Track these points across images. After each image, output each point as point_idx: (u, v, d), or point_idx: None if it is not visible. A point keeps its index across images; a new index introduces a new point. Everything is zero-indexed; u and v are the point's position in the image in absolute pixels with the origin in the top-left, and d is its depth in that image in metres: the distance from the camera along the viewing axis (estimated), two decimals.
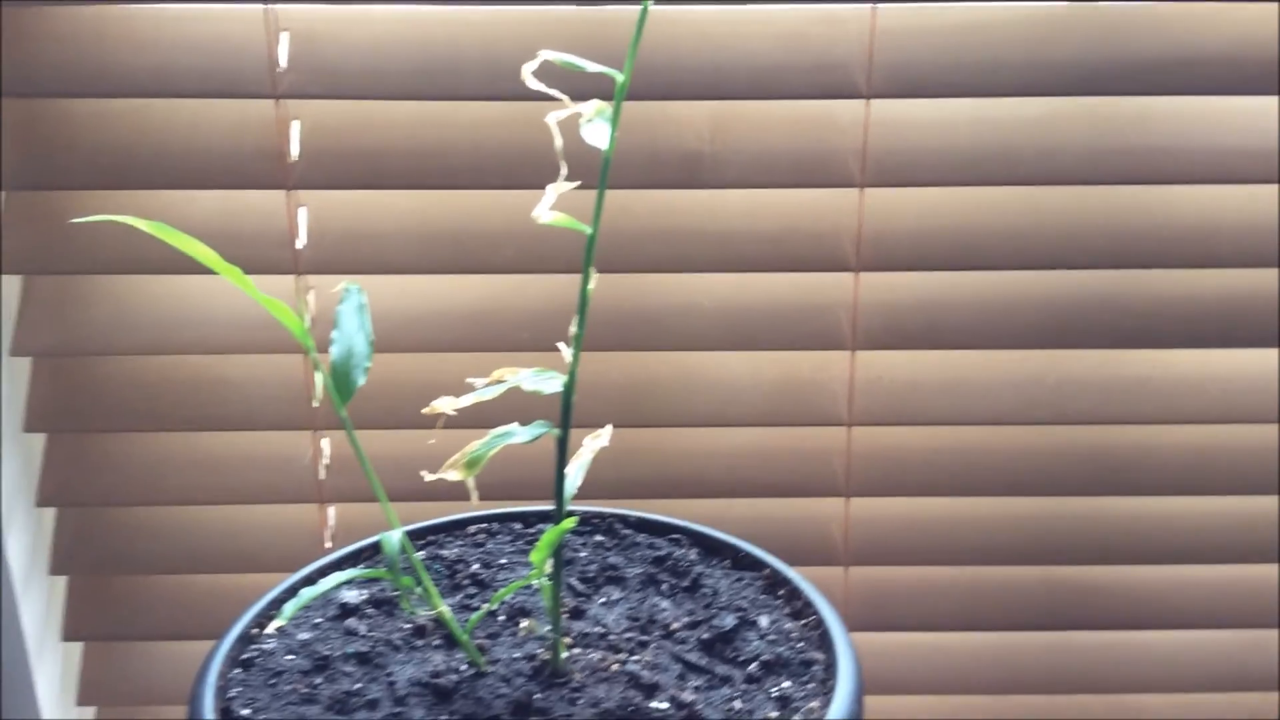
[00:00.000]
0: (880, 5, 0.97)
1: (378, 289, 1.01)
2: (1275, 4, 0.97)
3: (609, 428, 0.69)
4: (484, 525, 0.83)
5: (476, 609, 0.72)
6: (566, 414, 0.64)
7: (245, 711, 0.64)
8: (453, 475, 0.63)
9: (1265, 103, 1.01)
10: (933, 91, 0.99)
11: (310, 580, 0.74)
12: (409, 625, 0.71)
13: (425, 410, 0.63)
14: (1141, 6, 0.98)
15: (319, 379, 0.63)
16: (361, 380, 0.64)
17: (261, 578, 1.06)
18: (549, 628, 0.67)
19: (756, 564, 0.78)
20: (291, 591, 0.74)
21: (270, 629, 0.69)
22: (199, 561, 1.10)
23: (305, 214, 1.02)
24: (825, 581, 0.76)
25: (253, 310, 1.02)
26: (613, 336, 1.04)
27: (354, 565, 0.78)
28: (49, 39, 0.96)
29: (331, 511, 1.10)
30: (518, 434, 0.63)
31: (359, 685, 0.66)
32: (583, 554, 0.79)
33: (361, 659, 0.68)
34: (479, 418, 0.68)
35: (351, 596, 0.74)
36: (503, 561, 0.79)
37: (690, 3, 0.96)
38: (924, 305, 1.05)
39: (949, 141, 1.01)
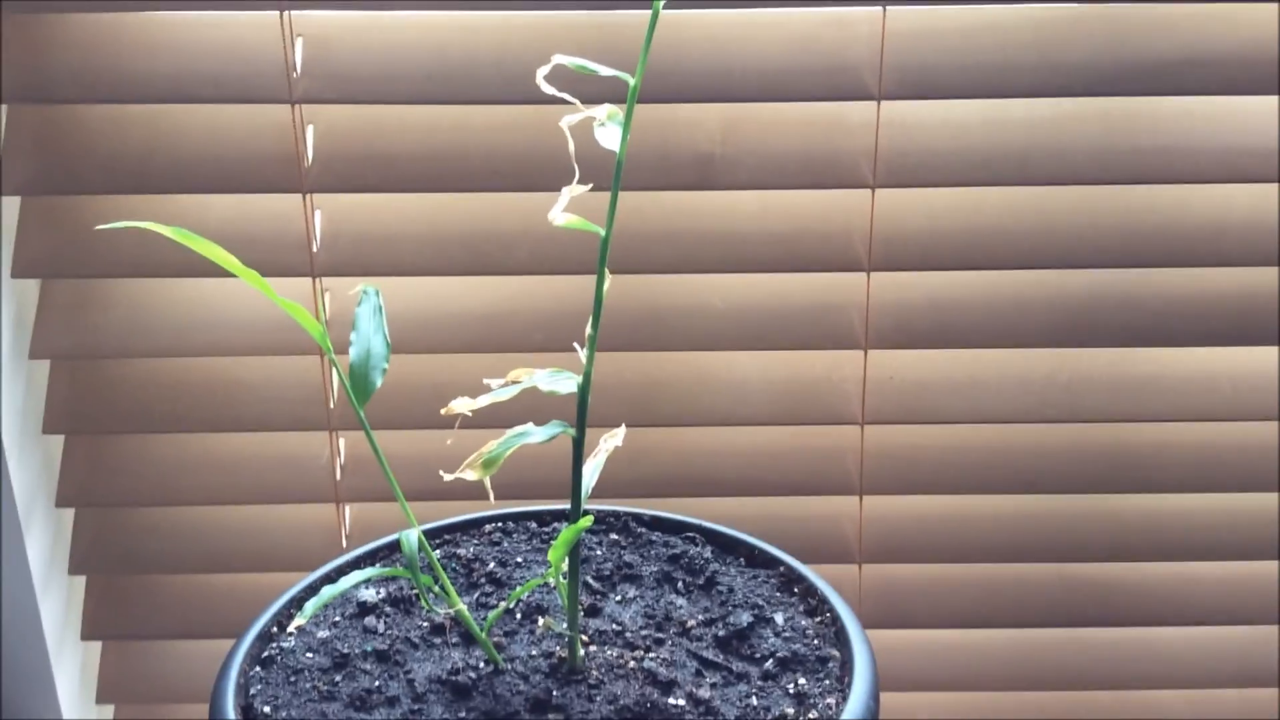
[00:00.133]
0: (890, 7, 0.97)
1: (393, 291, 1.01)
2: (1267, 2, 0.98)
3: (623, 427, 0.69)
4: (500, 524, 0.84)
5: (493, 607, 0.73)
6: (582, 414, 0.64)
7: (266, 709, 0.64)
8: (470, 475, 0.63)
9: (1273, 102, 1.01)
10: (943, 93, 0.99)
11: (329, 579, 0.75)
12: (427, 623, 0.72)
13: (443, 411, 0.63)
14: (1150, 8, 0.98)
15: (337, 379, 0.64)
16: (379, 381, 0.64)
17: (278, 577, 1.07)
18: (566, 625, 0.67)
19: (771, 561, 0.78)
20: (310, 590, 0.74)
21: (291, 627, 0.69)
22: (216, 561, 1.11)
23: (320, 217, 1.03)
24: (840, 579, 0.76)
25: (268, 312, 1.03)
26: (626, 337, 1.05)
27: (371, 564, 0.78)
28: (69, 46, 0.97)
29: (347, 511, 1.11)
30: (534, 434, 0.63)
31: (378, 683, 0.66)
32: (598, 552, 0.80)
33: (380, 657, 0.68)
34: (494, 418, 0.68)
35: (369, 595, 0.74)
36: (519, 560, 0.79)
37: (701, 6, 0.97)
38: (935, 305, 1.05)
39: (959, 142, 1.01)
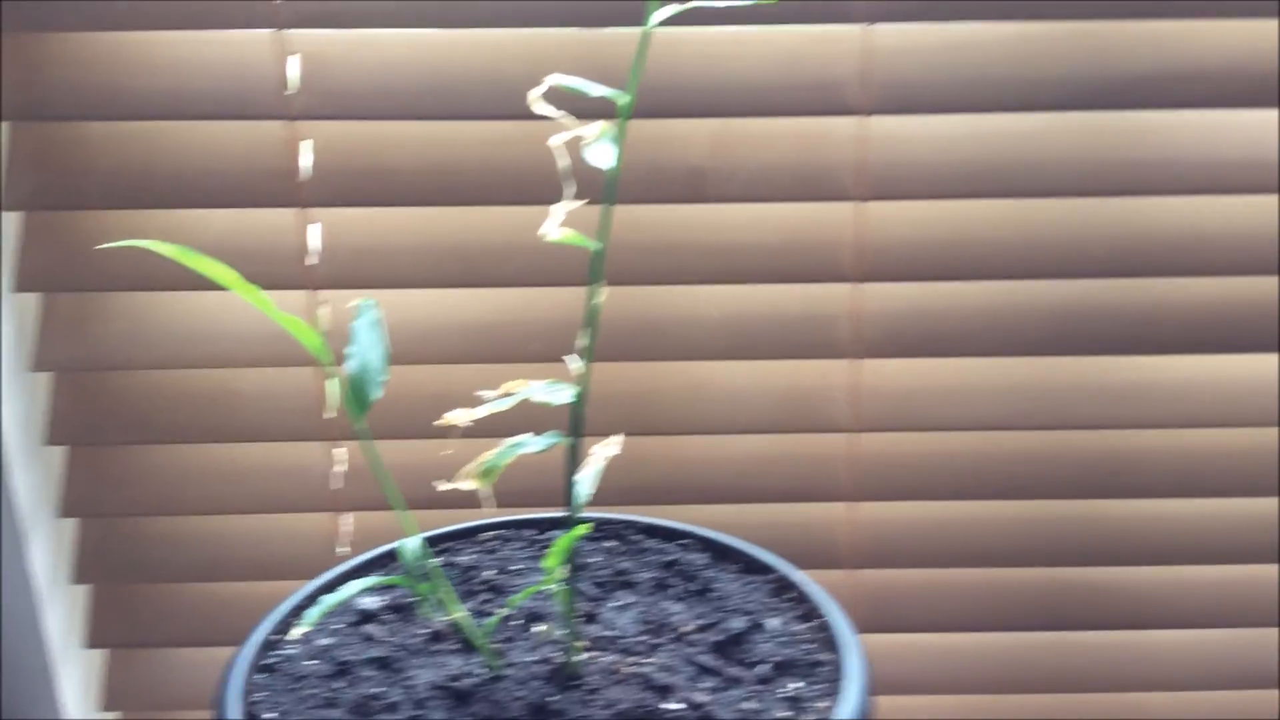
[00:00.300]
0: (875, 25, 0.98)
1: (389, 303, 1.01)
2: (1258, 20, 0.99)
3: (619, 436, 0.69)
4: (497, 532, 0.84)
5: (492, 614, 0.73)
6: (577, 423, 0.65)
7: (269, 715, 0.65)
8: (468, 485, 0.64)
9: (1252, 116, 1.02)
10: (927, 108, 1.00)
11: (329, 587, 0.76)
12: (426, 630, 0.72)
13: (439, 422, 0.64)
14: (1130, 25, 0.99)
15: (334, 391, 0.64)
16: (378, 394, 0.65)
17: (278, 585, 1.06)
18: (563, 632, 0.68)
19: (765, 568, 0.79)
20: (311, 598, 0.75)
21: (294, 634, 0.70)
22: (217, 570, 1.12)
23: (317, 231, 1.03)
24: (832, 584, 0.76)
25: (267, 324, 1.03)
26: (620, 347, 1.06)
27: (371, 573, 0.78)
28: (68, 64, 0.98)
29: (346, 520, 1.12)
30: (531, 444, 0.64)
31: (379, 689, 0.66)
32: (595, 559, 0.80)
33: (381, 663, 0.69)
34: (491, 427, 0.68)
35: (370, 603, 0.75)
36: (517, 567, 0.80)
37: (690, 24, 0.97)
38: (922, 314, 1.06)
39: (944, 156, 1.02)
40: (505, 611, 0.69)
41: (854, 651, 0.69)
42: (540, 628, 0.72)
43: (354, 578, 0.76)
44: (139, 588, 1.13)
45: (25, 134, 1.00)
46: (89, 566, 1.11)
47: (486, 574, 0.79)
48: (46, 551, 1.07)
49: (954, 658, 1.18)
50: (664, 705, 0.64)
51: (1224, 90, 1.00)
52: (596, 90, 0.63)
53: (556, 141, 0.61)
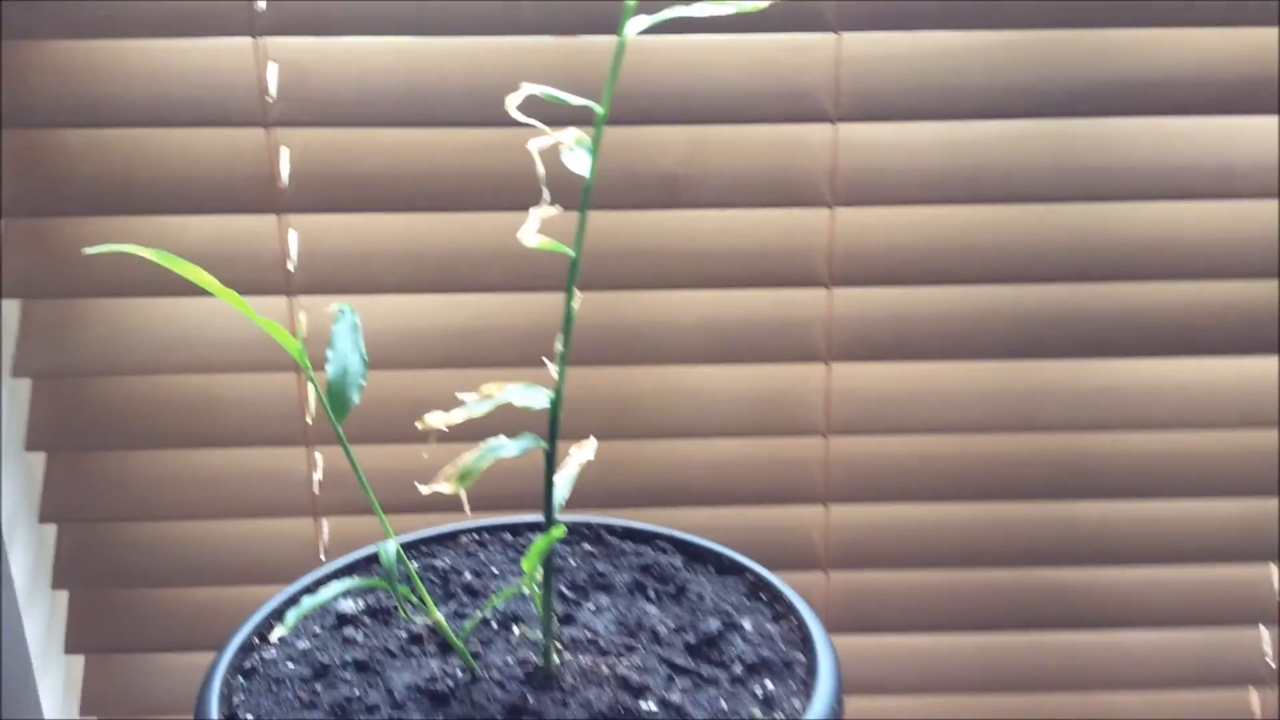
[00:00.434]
0: (845, 34, 0.99)
1: (367, 309, 1.03)
2: (1222, 29, 1.00)
3: (593, 440, 0.70)
4: (475, 536, 0.84)
5: (470, 617, 0.73)
6: (554, 427, 0.65)
7: (249, 717, 0.65)
8: (446, 488, 0.64)
9: (1213, 122, 1.03)
10: (897, 115, 1.01)
11: (308, 591, 0.76)
12: (405, 633, 0.72)
13: (418, 425, 0.64)
14: (1095, 34, 1.01)
15: (313, 395, 0.64)
16: (356, 398, 0.65)
17: (258, 590, 1.08)
18: (541, 633, 0.68)
19: (739, 569, 0.79)
20: (290, 602, 0.75)
21: (274, 636, 0.70)
22: (197, 575, 1.12)
23: (296, 237, 1.04)
24: (807, 586, 0.76)
25: (245, 330, 1.04)
26: (596, 352, 1.06)
27: (350, 576, 0.77)
28: (47, 72, 0.98)
29: (325, 525, 1.12)
30: (507, 447, 0.64)
31: (358, 691, 0.67)
32: (572, 562, 0.80)
33: (360, 666, 0.69)
34: (470, 432, 0.69)
35: (348, 606, 0.75)
36: (494, 571, 0.80)
37: (667, 33, 0.98)
38: (895, 319, 1.07)
39: (917, 162, 1.03)
40: (483, 614, 0.69)
41: (826, 651, 0.69)
42: (518, 630, 0.72)
43: (333, 581, 0.77)
44: (119, 593, 1.13)
45: (4, 141, 1.00)
46: (69, 572, 1.11)
47: (464, 577, 0.79)
48: (27, 557, 1.07)
49: (927, 658, 1.19)
50: (639, 705, 0.65)
51: (1187, 97, 1.01)
52: (573, 99, 0.63)
53: (535, 147, 0.62)
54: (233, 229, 1.03)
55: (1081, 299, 1.07)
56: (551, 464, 0.66)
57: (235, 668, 0.70)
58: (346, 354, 0.66)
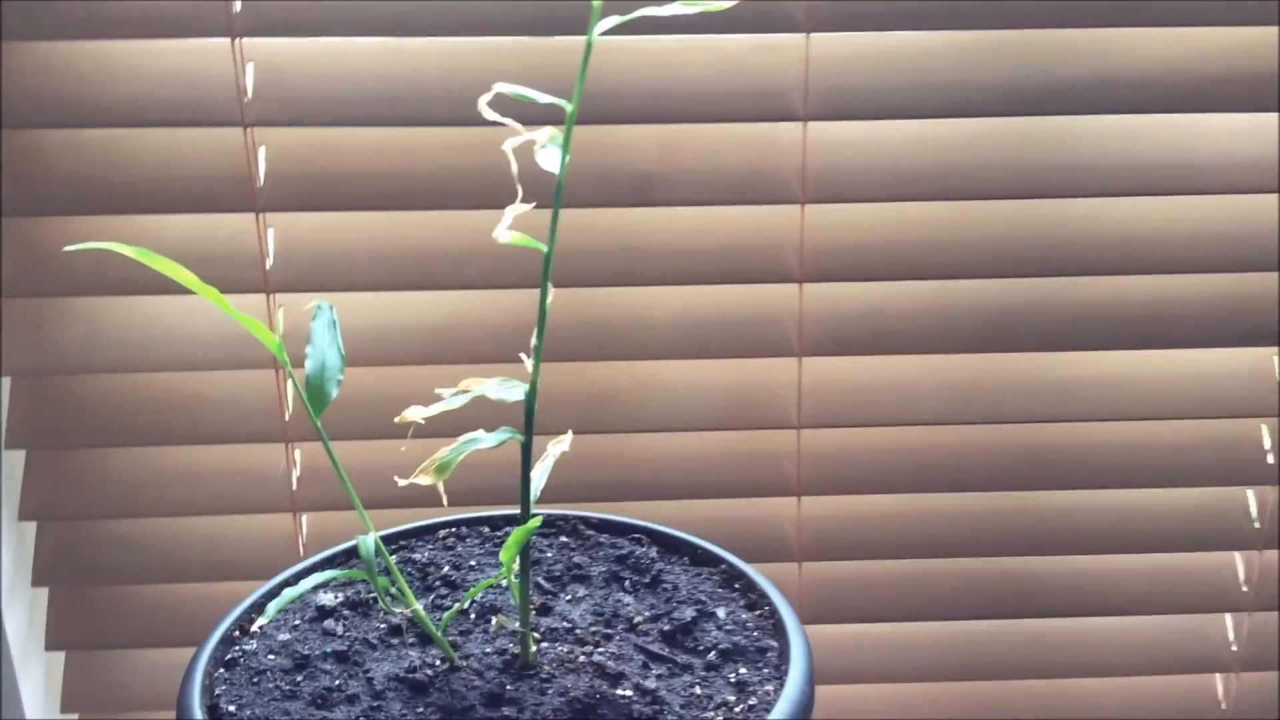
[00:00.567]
0: (814, 34, 1.00)
1: (345, 306, 1.03)
2: (1189, 29, 1.02)
3: (569, 433, 0.71)
4: (453, 529, 0.85)
5: (448, 608, 0.74)
6: (529, 421, 0.66)
7: (231, 708, 0.65)
8: (424, 480, 0.65)
9: (1177, 119, 1.05)
10: (865, 113, 1.02)
11: (289, 584, 0.75)
12: (384, 625, 0.73)
13: (396, 419, 0.64)
14: (1057, 33, 1.02)
15: (292, 392, 0.65)
16: (334, 393, 0.66)
17: (238, 586, 1.07)
18: (518, 623, 0.69)
19: (713, 560, 0.80)
20: (270, 595, 0.75)
21: (254, 627, 0.70)
22: (177, 571, 1.12)
23: (273, 235, 1.04)
24: (781, 577, 0.77)
25: (224, 328, 1.04)
26: (572, 347, 1.07)
27: (330, 569, 0.78)
28: (26, 73, 0.98)
29: (304, 520, 1.12)
30: (484, 440, 0.64)
31: (338, 682, 0.67)
32: (549, 554, 0.81)
33: (340, 657, 0.70)
34: (447, 426, 0.69)
35: (328, 599, 0.75)
36: (472, 563, 0.80)
37: (638, 33, 0.99)
38: (865, 313, 1.08)
39: (885, 160, 1.04)
40: (461, 605, 0.70)
41: (798, 637, 0.70)
42: (496, 620, 0.73)
43: (313, 574, 0.77)
44: (99, 590, 1.13)
45: None
46: (49, 569, 1.11)
47: (443, 570, 0.80)
48: (7, 554, 1.07)
49: (899, 647, 1.20)
50: (616, 692, 0.66)
51: (1151, 96, 1.03)
52: (543, 98, 0.64)
53: (509, 146, 0.62)
54: (211, 228, 1.04)
55: (1048, 293, 1.09)
56: (528, 457, 0.67)
57: (217, 660, 0.70)
58: (324, 349, 0.66)
